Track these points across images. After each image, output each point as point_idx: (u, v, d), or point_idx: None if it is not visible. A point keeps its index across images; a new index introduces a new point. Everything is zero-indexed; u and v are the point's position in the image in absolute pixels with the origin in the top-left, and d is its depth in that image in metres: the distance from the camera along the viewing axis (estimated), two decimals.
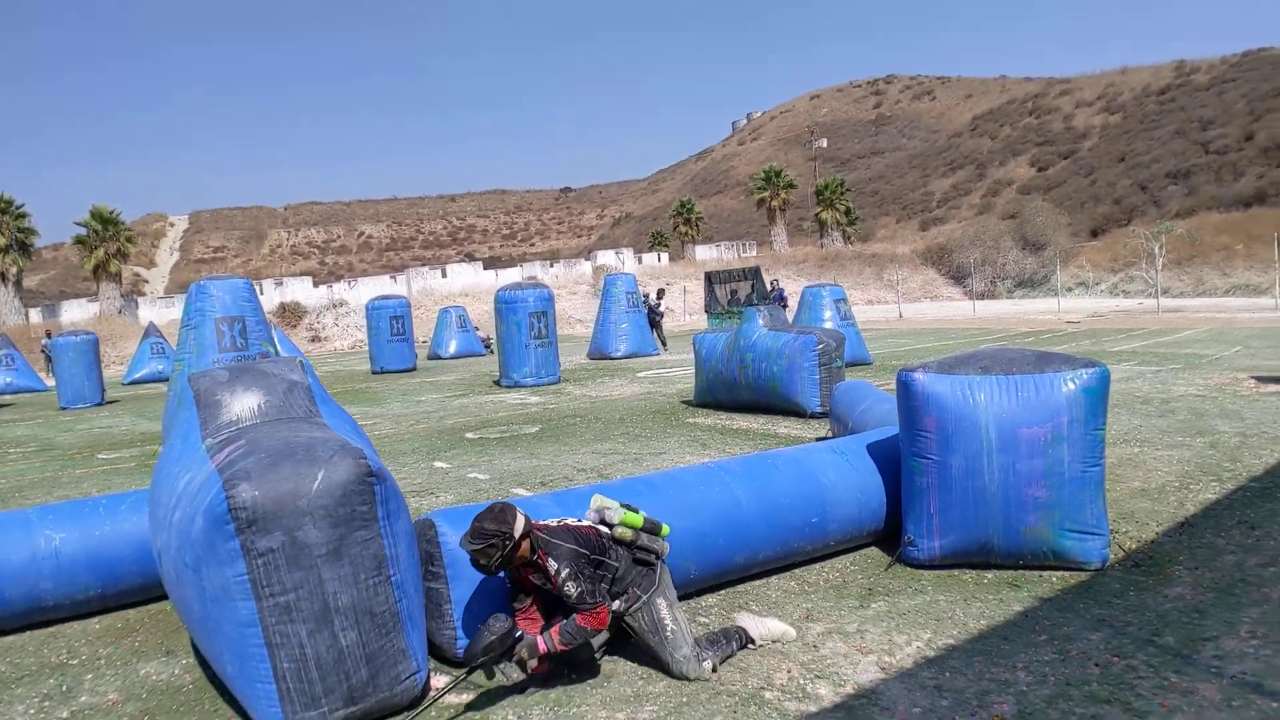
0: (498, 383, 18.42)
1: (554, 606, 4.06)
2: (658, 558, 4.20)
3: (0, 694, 4.45)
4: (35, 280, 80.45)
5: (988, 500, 5.07)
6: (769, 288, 30.09)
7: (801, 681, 3.95)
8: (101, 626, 5.39)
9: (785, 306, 23.57)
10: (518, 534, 3.87)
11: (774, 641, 4.27)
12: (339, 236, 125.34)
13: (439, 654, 4.29)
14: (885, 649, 4.24)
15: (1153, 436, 8.60)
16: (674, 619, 4.07)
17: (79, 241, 42.67)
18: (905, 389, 5.32)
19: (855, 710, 3.66)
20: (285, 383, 4.70)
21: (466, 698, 3.96)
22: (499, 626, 3.75)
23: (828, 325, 16.93)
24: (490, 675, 3.90)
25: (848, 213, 58.61)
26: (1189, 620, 4.30)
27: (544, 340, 18.03)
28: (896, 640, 4.33)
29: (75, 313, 41.97)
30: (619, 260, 51.07)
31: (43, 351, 29.34)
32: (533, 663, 3.90)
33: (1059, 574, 5.06)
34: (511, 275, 46.19)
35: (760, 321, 12.26)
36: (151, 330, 28.74)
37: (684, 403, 13.42)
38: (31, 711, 4.22)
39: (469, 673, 3.80)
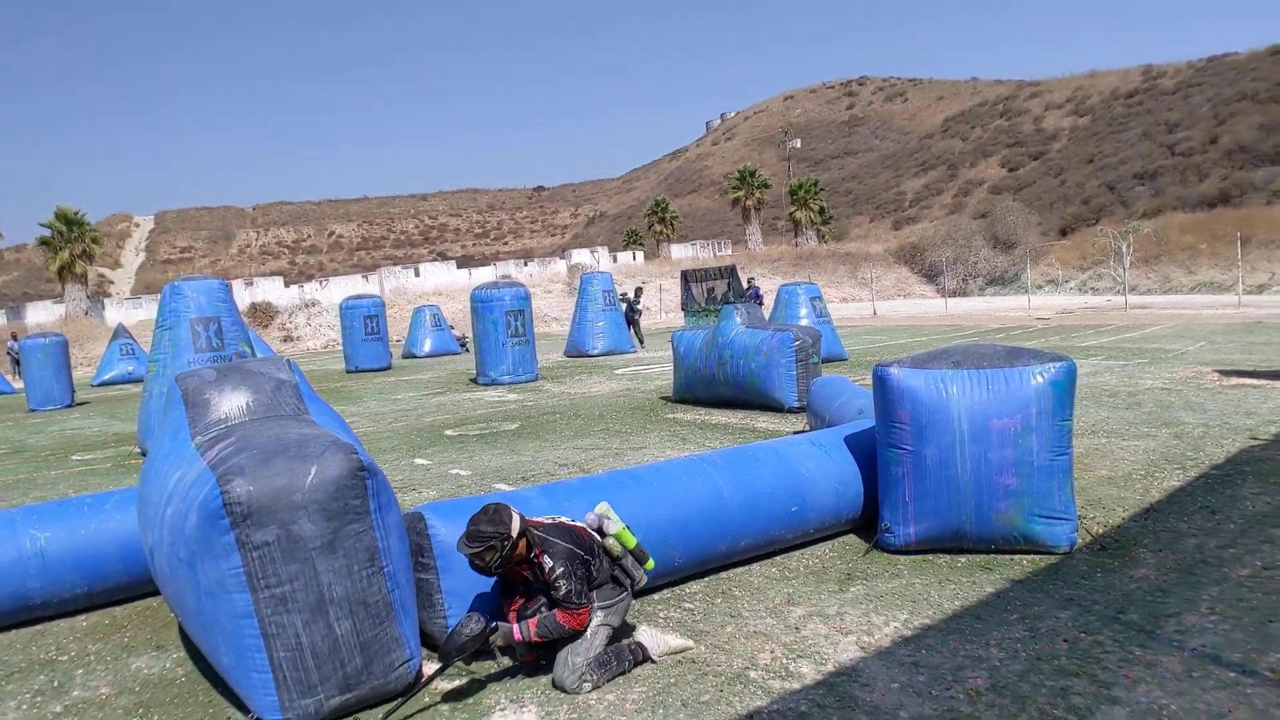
0: (475, 380, 18.48)
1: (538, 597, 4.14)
2: (631, 585, 4.24)
3: None
4: None
5: (960, 488, 5.23)
6: (745, 286, 30.29)
7: (785, 661, 4.09)
8: (89, 623, 5.43)
9: (761, 304, 23.77)
10: (514, 534, 3.94)
11: (673, 654, 4.23)
12: (309, 236, 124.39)
13: (431, 643, 4.38)
14: (864, 629, 4.38)
15: (1120, 428, 8.81)
16: (595, 634, 4.06)
17: (43, 243, 42.12)
18: (881, 383, 5.47)
19: (836, 687, 3.79)
20: (273, 381, 4.78)
21: (459, 684, 4.06)
22: (473, 628, 3.82)
23: (804, 323, 17.10)
24: (468, 662, 3.99)
25: (822, 212, 59.03)
26: (1152, 599, 4.47)
27: (521, 338, 18.12)
28: (875, 621, 4.48)
29: (40, 314, 41.45)
30: (594, 259, 51.11)
31: (9, 354, 29.02)
32: (523, 652, 4.00)
33: (1029, 557, 5.23)
34: (485, 274, 46.16)
35: (738, 319, 12.40)
36: (121, 331, 28.47)
37: (662, 399, 13.54)
38: (25, 707, 4.27)
39: (442, 669, 3.89)
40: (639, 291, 27.26)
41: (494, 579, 4.39)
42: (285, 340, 41.02)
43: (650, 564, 4.32)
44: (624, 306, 25.12)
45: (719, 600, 4.97)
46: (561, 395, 15.17)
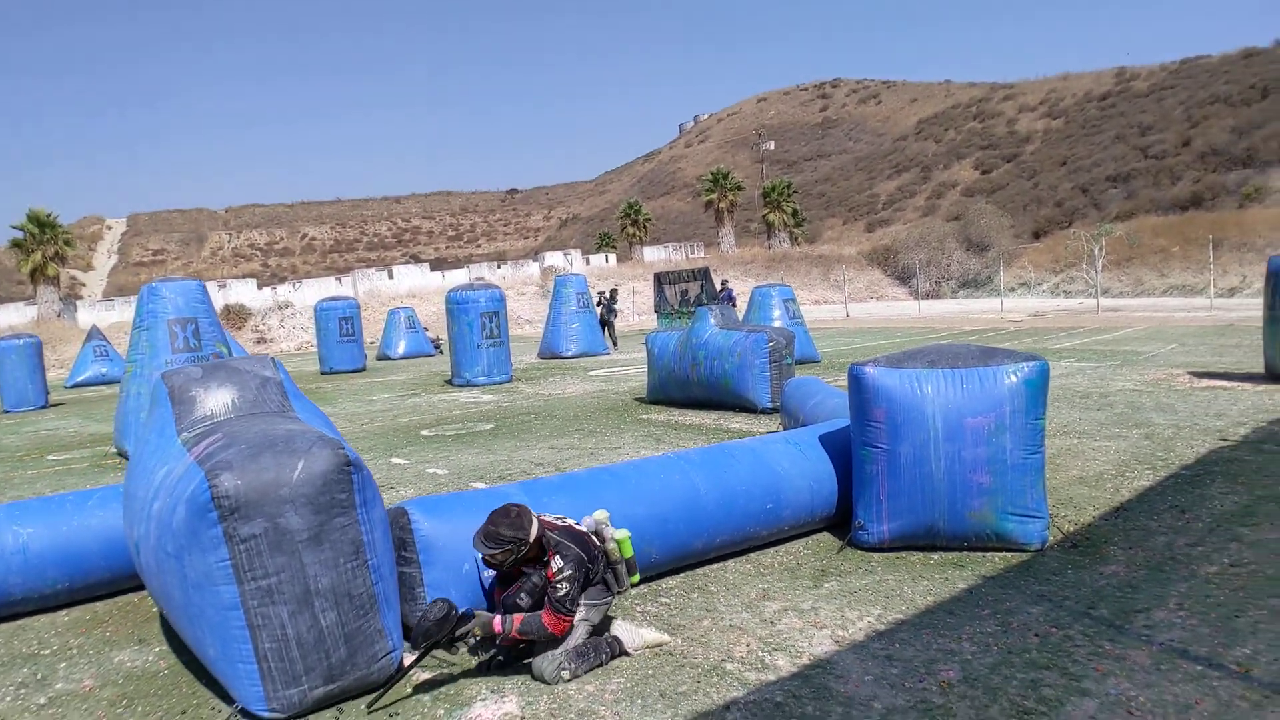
0: (449, 382, 18.49)
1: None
2: (618, 589, 4.31)
3: None
4: None
5: (934, 486, 5.33)
6: (718, 288, 30.41)
7: (760, 654, 4.17)
8: (70, 619, 5.44)
9: (734, 306, 23.89)
10: (533, 539, 4.08)
11: (649, 648, 4.30)
12: (282, 239, 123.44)
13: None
14: (838, 624, 4.48)
15: (1091, 429, 8.98)
16: (576, 627, 4.13)
17: (15, 245, 41.71)
18: (856, 382, 5.58)
19: (811, 679, 3.88)
20: (258, 379, 4.82)
21: (442, 673, 4.12)
22: (436, 611, 3.88)
23: (777, 324, 17.25)
24: (454, 652, 4.06)
25: (795, 214, 59.27)
26: (1122, 595, 4.59)
27: (496, 340, 18.16)
28: (849, 616, 4.57)
29: (12, 316, 40.96)
30: (567, 261, 51.12)
31: None
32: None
33: (1001, 554, 5.34)
34: (459, 276, 45.99)
35: (712, 321, 12.51)
36: (95, 333, 28.24)
37: (636, 400, 13.62)
38: (8, 699, 4.29)
39: (420, 658, 3.97)
40: (614, 292, 27.30)
41: (478, 577, 4.46)
42: (259, 342, 40.73)
43: (636, 578, 4.40)
44: (599, 308, 25.17)
45: (695, 595, 5.05)
46: (536, 396, 15.21)
